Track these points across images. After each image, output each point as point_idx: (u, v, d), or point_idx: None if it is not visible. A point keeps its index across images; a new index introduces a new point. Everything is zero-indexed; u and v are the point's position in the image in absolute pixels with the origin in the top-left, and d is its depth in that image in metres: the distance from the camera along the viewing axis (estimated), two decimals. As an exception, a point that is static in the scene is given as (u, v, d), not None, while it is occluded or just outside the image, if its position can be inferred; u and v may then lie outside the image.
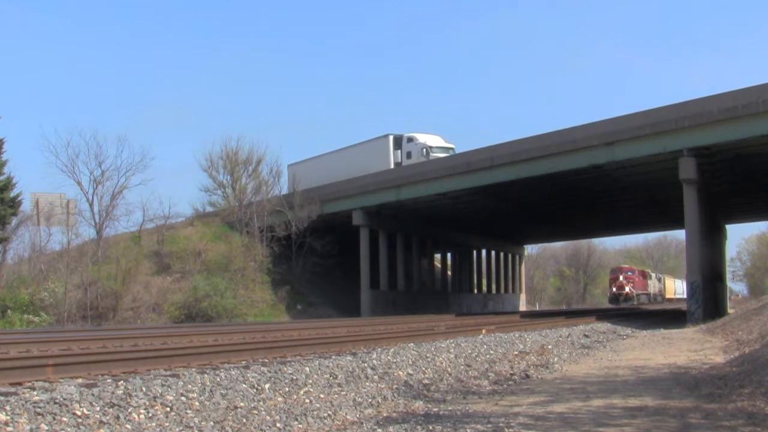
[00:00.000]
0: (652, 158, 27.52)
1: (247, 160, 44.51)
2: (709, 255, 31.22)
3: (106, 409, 6.54)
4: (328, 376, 9.41)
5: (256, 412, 7.31)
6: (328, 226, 40.98)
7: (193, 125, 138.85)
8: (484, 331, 17.99)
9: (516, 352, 14.06)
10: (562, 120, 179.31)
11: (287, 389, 8.46)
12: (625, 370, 11.38)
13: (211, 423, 6.76)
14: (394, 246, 42.21)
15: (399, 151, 40.14)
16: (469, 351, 13.24)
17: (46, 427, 5.93)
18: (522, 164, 31.09)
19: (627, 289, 61.35)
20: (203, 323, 29.83)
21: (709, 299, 28.17)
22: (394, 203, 38.24)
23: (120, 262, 34.50)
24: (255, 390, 8.12)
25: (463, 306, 50.96)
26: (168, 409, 6.91)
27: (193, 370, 8.93)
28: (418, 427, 6.76)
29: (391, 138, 40.71)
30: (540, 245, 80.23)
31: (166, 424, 6.55)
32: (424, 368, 11.09)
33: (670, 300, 75.85)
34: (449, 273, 55.38)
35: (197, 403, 7.23)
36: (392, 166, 39.57)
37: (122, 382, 7.43)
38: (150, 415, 6.67)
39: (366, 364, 10.38)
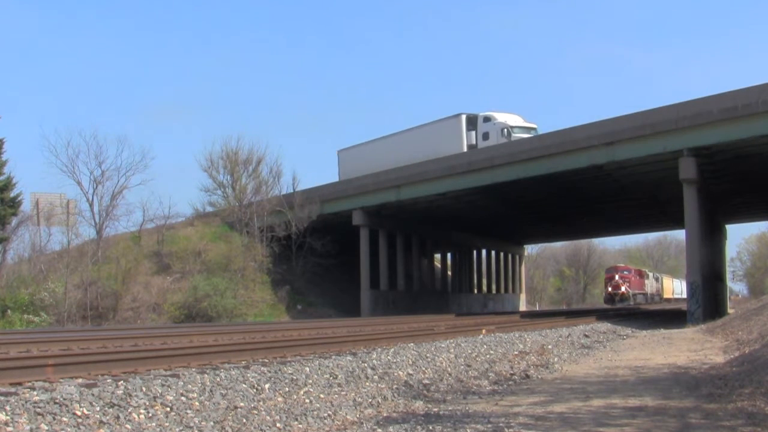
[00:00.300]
0: (652, 158, 27.54)
1: (247, 160, 44.54)
2: (709, 255, 31.22)
3: (106, 409, 6.54)
4: (328, 376, 9.41)
5: (256, 412, 7.31)
6: (328, 226, 40.98)
7: (192, 125, 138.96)
8: (484, 331, 17.98)
9: (516, 352, 14.06)
10: (563, 120, 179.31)
11: (287, 389, 8.46)
12: (625, 370, 11.38)
13: (211, 423, 6.76)
14: (394, 246, 42.22)
15: (473, 132, 36.54)
16: (469, 351, 13.24)
17: (46, 427, 5.92)
18: (522, 164, 31.11)
19: (623, 288, 59.62)
20: (203, 323, 29.84)
21: (709, 299, 28.17)
22: (394, 203, 38.24)
23: (120, 262, 34.52)
24: (255, 390, 8.12)
25: (463, 306, 50.98)
26: (168, 409, 6.91)
27: (193, 370, 8.93)
28: (418, 427, 6.76)
29: (463, 117, 36.98)
30: (540, 245, 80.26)
31: (166, 424, 6.55)
32: (424, 368, 11.08)
33: (669, 300, 75.07)
34: (449, 273, 55.39)
35: (197, 403, 7.23)
36: (465, 149, 36.04)
37: (122, 382, 7.43)
38: (150, 415, 6.67)
39: (366, 364, 10.38)
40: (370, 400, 8.50)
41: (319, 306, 40.65)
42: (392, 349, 12.21)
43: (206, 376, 8.21)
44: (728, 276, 60.60)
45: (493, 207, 40.50)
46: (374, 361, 10.70)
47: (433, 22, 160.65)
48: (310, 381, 8.99)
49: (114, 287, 32.83)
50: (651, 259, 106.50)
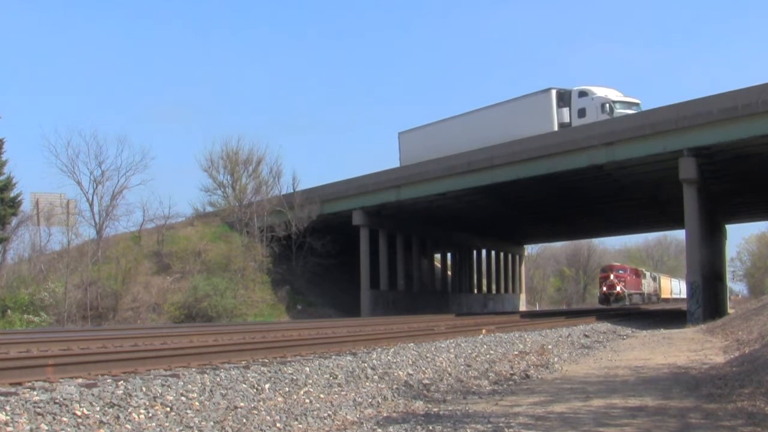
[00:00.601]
0: (652, 158, 27.53)
1: (247, 160, 44.54)
2: (709, 255, 31.21)
3: (106, 409, 6.54)
4: (328, 376, 9.41)
5: (256, 412, 7.31)
6: (328, 226, 40.98)
7: (192, 125, 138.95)
8: (484, 331, 17.98)
9: (516, 352, 14.06)
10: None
11: (287, 389, 8.46)
12: (625, 370, 11.38)
13: (211, 423, 6.76)
14: (394, 246, 42.22)
15: (566, 109, 33.30)
16: (469, 351, 13.24)
17: (46, 427, 5.92)
18: (522, 164, 31.11)
19: (618, 288, 57.00)
20: (203, 323, 29.83)
21: (709, 299, 28.17)
22: (394, 203, 38.24)
23: (120, 262, 34.52)
24: (255, 390, 8.12)
25: (463, 306, 50.98)
26: (168, 409, 6.91)
27: (193, 370, 8.93)
28: (418, 427, 6.76)
29: (553, 92, 33.76)
30: (540, 245, 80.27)
31: (166, 424, 6.55)
32: (424, 368, 11.08)
33: (667, 300, 74.11)
34: (449, 273, 55.40)
35: (197, 403, 7.23)
36: (556, 128, 32.70)
37: (122, 382, 7.43)
38: (150, 415, 6.67)
39: (366, 364, 10.37)
40: (370, 400, 8.50)
41: (319, 306, 40.65)
42: (392, 349, 12.21)
43: (206, 376, 8.21)
44: (728, 276, 60.37)
45: (493, 207, 40.49)
46: (374, 361, 10.70)
47: (433, 22, 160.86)
48: (310, 381, 8.99)
49: (114, 287, 32.82)
50: (651, 259, 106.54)
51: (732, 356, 12.65)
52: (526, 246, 65.08)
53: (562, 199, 38.33)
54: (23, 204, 35.39)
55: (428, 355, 12.07)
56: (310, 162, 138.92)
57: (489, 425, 6.71)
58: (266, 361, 10.34)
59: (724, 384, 9.08)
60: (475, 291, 55.90)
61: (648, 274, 70.35)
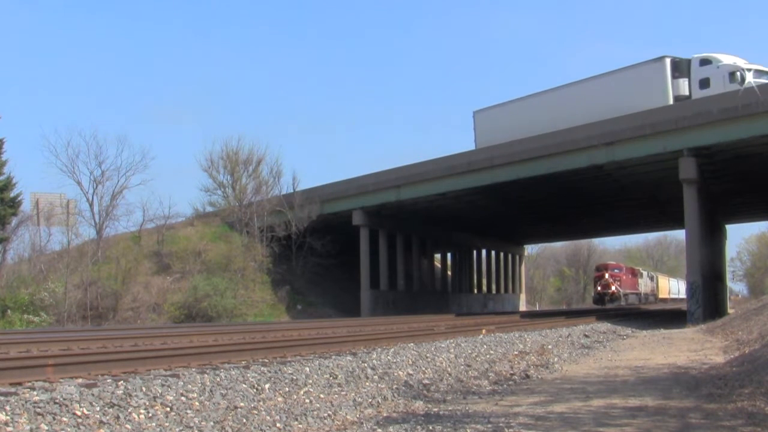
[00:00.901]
0: (652, 158, 27.55)
1: (247, 160, 44.55)
2: (709, 255, 31.23)
3: (106, 409, 6.54)
4: (328, 376, 9.41)
5: (256, 412, 7.31)
6: (328, 226, 41.00)
7: (192, 125, 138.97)
8: (484, 331, 17.99)
9: (516, 352, 14.07)
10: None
11: (287, 389, 8.46)
12: (625, 370, 11.38)
13: (211, 423, 6.76)
14: (394, 246, 42.23)
15: (684, 80, 29.59)
16: (469, 351, 13.24)
17: (46, 427, 5.93)
18: (522, 164, 31.11)
19: (613, 288, 54.35)
20: (203, 323, 29.83)
21: (709, 299, 28.18)
22: (394, 203, 38.26)
23: (120, 262, 34.52)
24: (255, 390, 8.12)
25: (463, 306, 50.99)
26: (168, 409, 6.91)
27: (193, 370, 8.93)
28: (418, 427, 6.76)
29: (668, 61, 30.06)
30: (540, 245, 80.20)
31: (166, 424, 6.55)
32: (424, 368, 11.08)
33: (665, 300, 73.33)
34: (449, 273, 55.41)
35: (197, 403, 7.23)
36: (671, 101, 29.11)
37: (122, 382, 7.43)
38: (150, 415, 6.67)
39: (366, 364, 10.38)
40: (370, 400, 8.50)
41: (319, 306, 40.66)
42: (392, 349, 12.21)
43: (206, 376, 8.21)
44: (728, 276, 60.26)
45: (493, 207, 40.50)
46: (374, 361, 10.71)
47: (433, 22, 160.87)
48: (310, 381, 9.00)
49: (114, 287, 32.82)
50: (651, 259, 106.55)
51: (732, 356, 12.65)
52: (526, 246, 65.08)
53: (562, 199, 38.34)
54: (23, 204, 35.41)
55: (428, 355, 12.07)
56: (310, 162, 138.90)
57: (489, 425, 6.71)
58: (266, 361, 10.34)
59: (724, 384, 9.08)
60: (475, 291, 55.92)
61: (645, 273, 68.96)
